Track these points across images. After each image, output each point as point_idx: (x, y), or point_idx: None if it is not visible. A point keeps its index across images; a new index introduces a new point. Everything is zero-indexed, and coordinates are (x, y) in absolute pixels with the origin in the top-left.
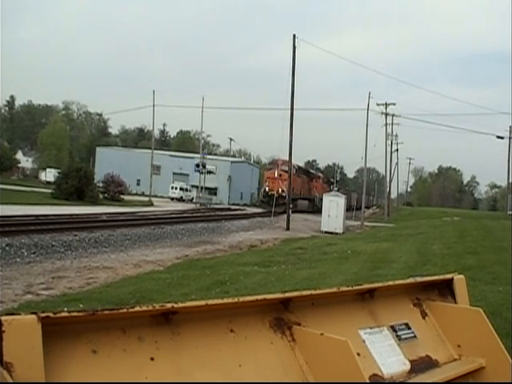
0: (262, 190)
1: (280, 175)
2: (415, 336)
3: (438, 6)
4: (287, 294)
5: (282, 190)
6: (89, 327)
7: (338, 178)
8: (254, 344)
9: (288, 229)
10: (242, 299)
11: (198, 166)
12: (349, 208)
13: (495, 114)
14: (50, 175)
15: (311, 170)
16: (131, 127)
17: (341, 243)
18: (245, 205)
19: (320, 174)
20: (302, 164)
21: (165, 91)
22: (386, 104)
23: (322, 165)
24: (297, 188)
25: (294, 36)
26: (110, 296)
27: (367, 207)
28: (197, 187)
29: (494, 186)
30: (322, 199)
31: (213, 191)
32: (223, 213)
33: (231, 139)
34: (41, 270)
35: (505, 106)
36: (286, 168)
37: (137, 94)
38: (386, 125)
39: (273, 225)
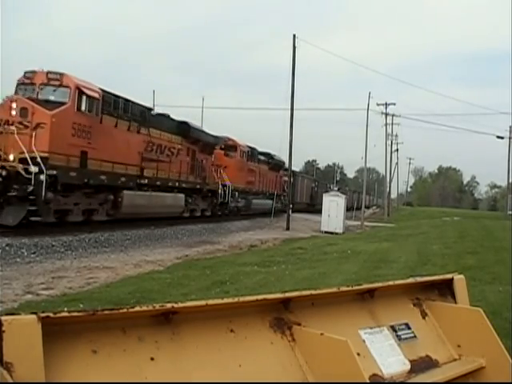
0: None
1: (23, 110)
2: (415, 336)
3: (438, 7)
4: (287, 294)
5: (32, 158)
6: (89, 327)
7: (338, 178)
8: (253, 344)
9: (288, 229)
10: (242, 299)
11: None
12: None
13: (495, 113)
14: None
15: (207, 131)
16: None
17: (341, 243)
18: None
19: (238, 143)
20: (301, 164)
21: (165, 91)
22: (386, 104)
23: (322, 165)
24: (142, 162)
25: (294, 36)
26: (109, 296)
27: (367, 207)
28: None
29: (494, 186)
30: (243, 191)
31: None
32: None
33: None
34: (41, 270)
35: (505, 106)
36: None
37: (137, 94)
38: (386, 125)
39: (273, 225)
